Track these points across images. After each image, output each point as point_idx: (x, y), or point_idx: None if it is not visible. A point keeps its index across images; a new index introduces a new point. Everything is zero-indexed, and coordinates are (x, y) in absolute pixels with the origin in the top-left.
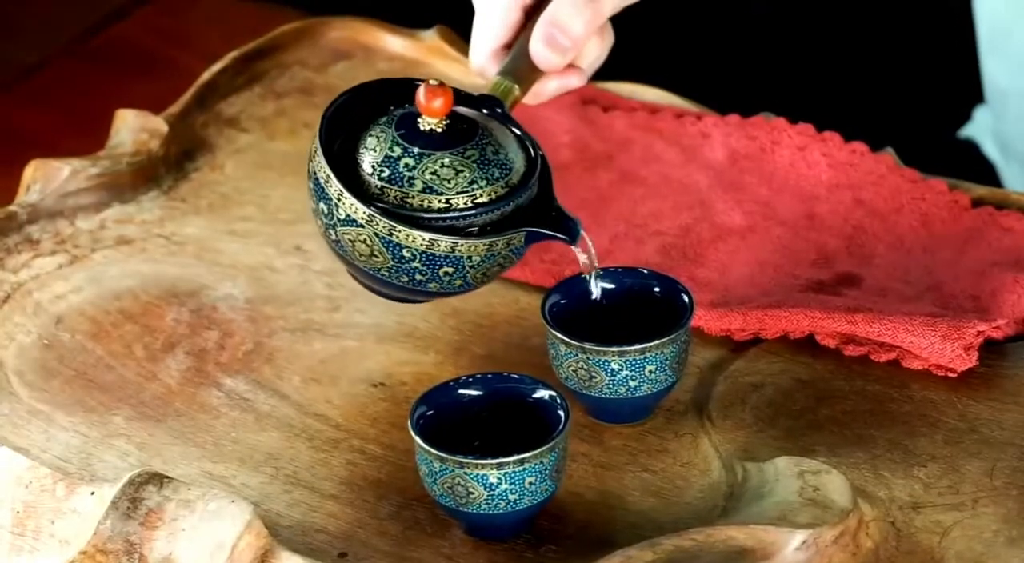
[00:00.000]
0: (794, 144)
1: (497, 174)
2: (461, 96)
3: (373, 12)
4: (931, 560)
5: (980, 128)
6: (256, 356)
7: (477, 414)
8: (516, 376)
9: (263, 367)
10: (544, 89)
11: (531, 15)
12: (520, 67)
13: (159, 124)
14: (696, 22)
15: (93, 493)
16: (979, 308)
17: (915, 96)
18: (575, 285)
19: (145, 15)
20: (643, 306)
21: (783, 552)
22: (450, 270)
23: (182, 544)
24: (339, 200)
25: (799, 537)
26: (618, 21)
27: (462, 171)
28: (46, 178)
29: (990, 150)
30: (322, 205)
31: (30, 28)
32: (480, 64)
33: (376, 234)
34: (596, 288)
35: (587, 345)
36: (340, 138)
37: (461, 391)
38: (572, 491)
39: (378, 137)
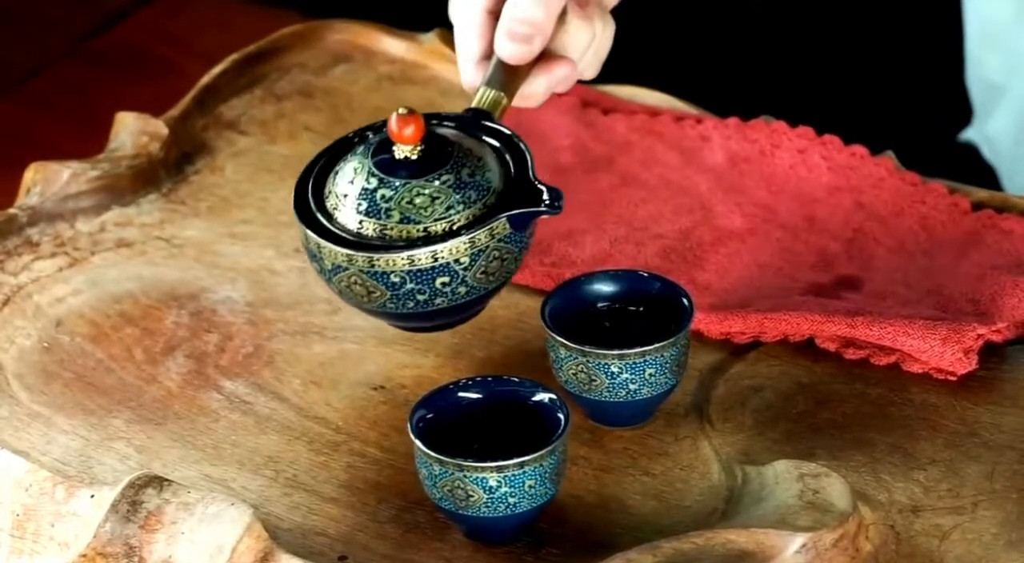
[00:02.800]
0: (794, 147)
1: (474, 196)
2: (447, 117)
3: (373, 15)
4: None
5: (980, 132)
6: (256, 359)
7: (477, 417)
8: (516, 379)
9: (263, 370)
10: (533, 89)
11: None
12: (501, 73)
13: (159, 127)
14: (696, 25)
15: (93, 496)
16: (979, 311)
17: (915, 99)
18: (575, 288)
19: (145, 18)
20: (643, 309)
21: (783, 555)
22: (445, 280)
23: (182, 547)
24: (320, 252)
25: (799, 540)
26: (618, 24)
27: (438, 198)
28: (46, 181)
29: (989, 154)
30: (314, 263)
31: (30, 31)
32: (468, 80)
33: (361, 271)
34: None
35: (587, 348)
36: (319, 177)
37: (461, 394)
38: (572, 494)
39: (355, 169)
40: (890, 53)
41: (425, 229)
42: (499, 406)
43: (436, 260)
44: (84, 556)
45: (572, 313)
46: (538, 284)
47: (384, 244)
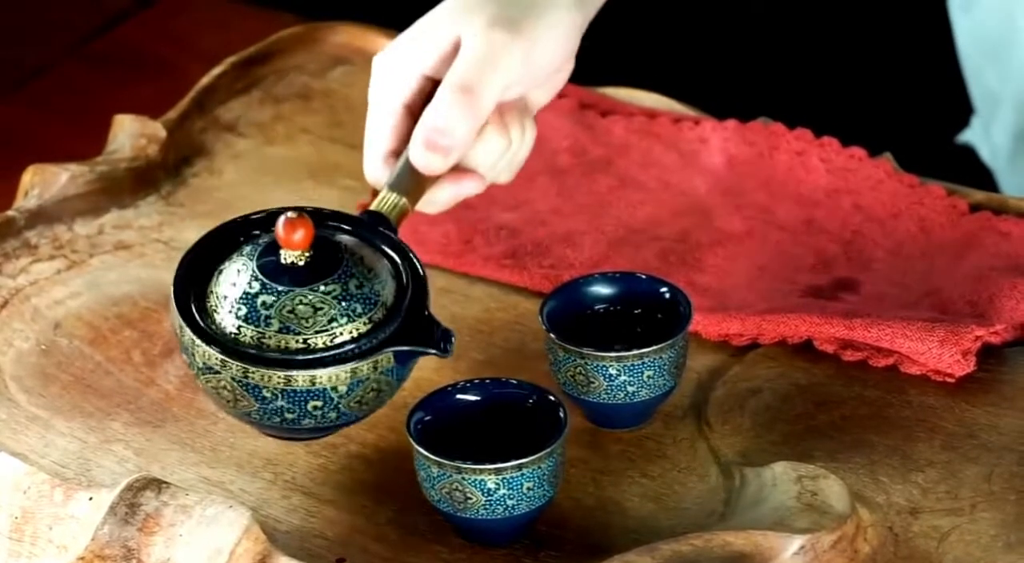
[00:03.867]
0: (792, 149)
1: (359, 310)
2: (344, 219)
3: (372, 17)
4: None
5: (978, 134)
6: None
7: (475, 419)
8: (514, 381)
9: None
10: (437, 197)
11: (418, 117)
12: (406, 177)
13: (157, 129)
14: (695, 27)
15: (91, 498)
16: (977, 313)
17: (913, 101)
18: (573, 290)
19: (144, 20)
20: (641, 311)
21: (781, 557)
22: (318, 404)
23: (180, 550)
24: (194, 348)
25: (797, 542)
26: (618, 25)
27: (320, 308)
28: (44, 183)
29: (987, 156)
30: (185, 357)
31: (30, 33)
32: (372, 174)
33: (233, 378)
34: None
35: (585, 350)
36: (205, 270)
37: (459, 396)
38: (570, 496)
39: (239, 270)
40: (888, 55)
41: (305, 340)
42: (497, 408)
43: (313, 384)
44: (82, 559)
45: (570, 315)
46: (536, 286)
47: (261, 355)
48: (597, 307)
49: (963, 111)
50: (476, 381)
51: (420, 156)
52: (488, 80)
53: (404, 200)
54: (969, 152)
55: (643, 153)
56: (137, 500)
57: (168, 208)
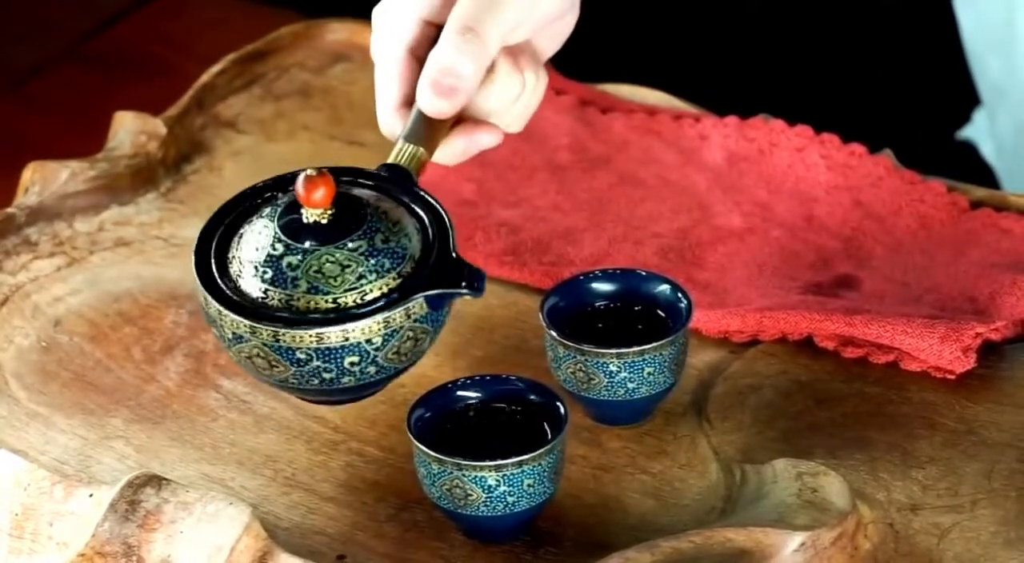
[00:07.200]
0: (792, 146)
1: (388, 265)
2: (362, 174)
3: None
4: (929, 562)
5: (979, 130)
6: None
7: (475, 416)
8: (515, 378)
9: None
10: (452, 148)
11: (423, 59)
12: (420, 126)
13: (157, 126)
14: (695, 23)
15: (91, 495)
16: (977, 310)
17: (913, 98)
18: (573, 287)
19: (143, 18)
20: (641, 308)
21: (781, 554)
22: (355, 360)
23: (180, 546)
24: (220, 319)
25: (797, 539)
26: (617, 22)
27: (349, 266)
28: (44, 180)
29: (988, 152)
30: (214, 329)
31: (29, 31)
32: (386, 126)
33: (264, 344)
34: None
35: (585, 347)
36: (223, 238)
37: (459, 393)
38: (570, 493)
39: (260, 233)
40: (888, 51)
41: (335, 300)
42: (497, 405)
43: (347, 339)
44: (83, 555)
45: (571, 312)
46: (536, 283)
47: (291, 317)
48: (597, 304)
49: (964, 107)
50: (476, 378)
51: (428, 99)
52: (491, 19)
53: (421, 150)
54: (970, 149)
55: (643, 150)
56: (137, 497)
57: (168, 205)
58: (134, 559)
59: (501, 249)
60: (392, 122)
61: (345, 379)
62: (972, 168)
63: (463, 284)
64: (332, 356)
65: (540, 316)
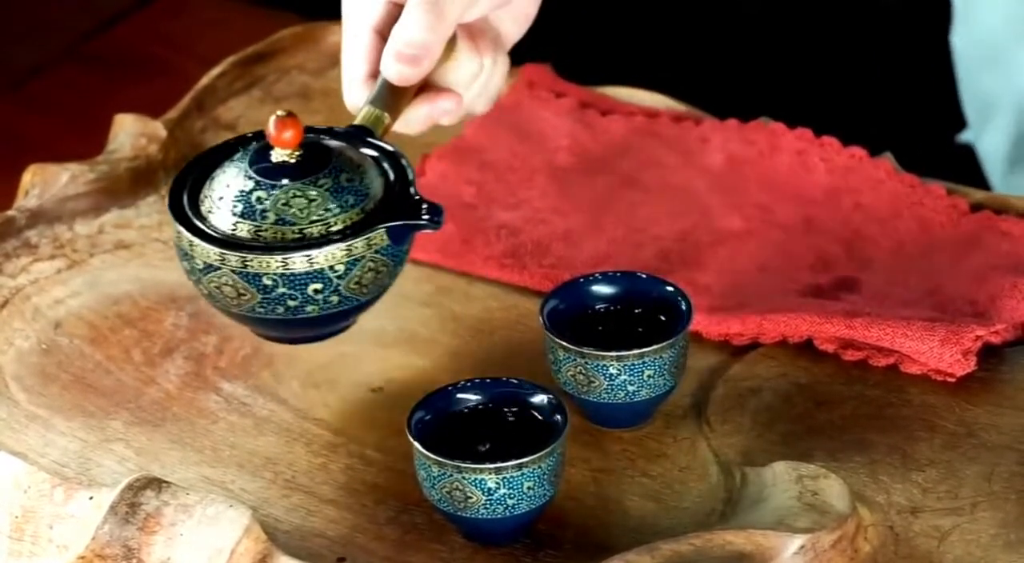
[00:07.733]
0: (793, 149)
1: (352, 201)
2: (328, 131)
3: None
4: None
5: (977, 144)
6: (255, 361)
7: (475, 419)
8: (515, 381)
9: (262, 372)
10: (415, 115)
11: (387, 37)
12: (385, 93)
13: (158, 129)
14: (695, 26)
15: (91, 498)
16: (978, 313)
17: (913, 101)
18: (574, 289)
19: (144, 19)
20: (642, 311)
21: (781, 557)
22: (318, 287)
23: (180, 549)
24: (191, 249)
25: (797, 542)
26: (618, 25)
27: (315, 201)
28: (45, 182)
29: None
30: (184, 262)
31: (29, 31)
32: (351, 99)
33: (233, 271)
34: None
35: (585, 350)
36: (196, 182)
37: (460, 396)
38: (570, 496)
39: (231, 173)
40: (888, 54)
41: (300, 231)
42: (498, 408)
43: (311, 265)
44: (82, 558)
45: (571, 315)
46: (537, 285)
47: (258, 245)
48: (597, 306)
49: (963, 111)
50: (476, 380)
51: (391, 67)
52: None
53: (385, 114)
54: (970, 152)
55: (643, 153)
56: (137, 499)
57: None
58: (134, 562)
59: (501, 252)
60: (357, 95)
61: (309, 308)
62: (972, 171)
63: (423, 217)
64: (297, 282)
65: (540, 319)
